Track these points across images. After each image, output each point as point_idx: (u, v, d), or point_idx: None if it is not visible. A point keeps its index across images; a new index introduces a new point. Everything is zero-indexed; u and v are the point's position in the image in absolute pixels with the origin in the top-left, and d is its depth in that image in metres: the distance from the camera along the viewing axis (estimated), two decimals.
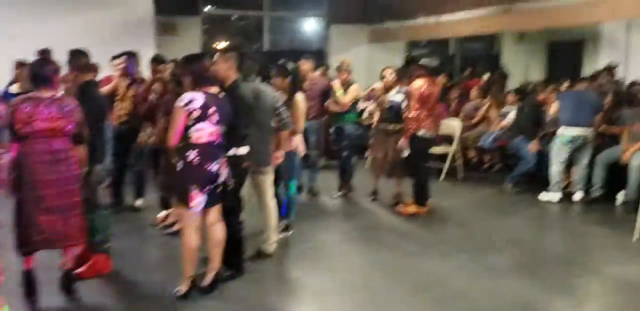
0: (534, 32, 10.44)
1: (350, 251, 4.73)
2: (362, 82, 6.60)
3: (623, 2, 5.95)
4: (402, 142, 5.49)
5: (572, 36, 10.10)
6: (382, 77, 5.83)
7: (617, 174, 5.95)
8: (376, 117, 6.00)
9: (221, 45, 10.35)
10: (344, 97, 6.10)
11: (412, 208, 5.63)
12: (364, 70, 8.98)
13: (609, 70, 9.06)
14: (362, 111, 6.98)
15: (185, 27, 9.62)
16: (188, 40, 9.45)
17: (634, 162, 5.69)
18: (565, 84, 7.51)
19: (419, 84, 5.39)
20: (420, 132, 5.42)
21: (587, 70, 9.83)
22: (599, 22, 8.84)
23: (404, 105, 5.56)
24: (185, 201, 3.51)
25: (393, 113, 5.68)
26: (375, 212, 5.86)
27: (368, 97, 6.44)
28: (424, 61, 5.53)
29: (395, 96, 5.68)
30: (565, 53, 10.64)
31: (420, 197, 5.63)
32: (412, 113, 5.39)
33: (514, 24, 8.07)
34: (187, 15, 9.61)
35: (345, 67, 6.26)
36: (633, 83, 7.13)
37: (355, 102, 6.33)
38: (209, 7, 10.09)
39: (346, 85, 6.17)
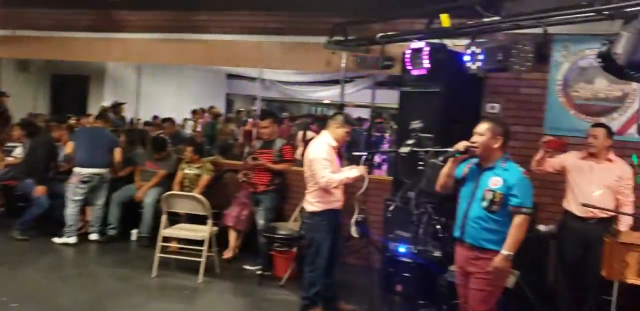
0: (40, 62, 9.88)
1: None
2: None
3: (135, 47, 6.24)
4: None
5: (78, 70, 10.02)
6: None
7: (131, 212, 6.12)
8: None
9: None
10: None
11: None
12: None
13: (115, 107, 9.46)
14: None
15: None
16: None
17: (148, 200, 5.97)
18: (72, 120, 7.34)
19: None
20: None
21: (93, 105, 9.94)
22: (113, 61, 9.08)
23: None
24: None
25: None
26: None
27: None
28: None
29: None
30: (70, 87, 10.44)
31: None
32: None
33: (16, 52, 7.38)
34: None
35: None
36: (146, 123, 7.57)
37: None
38: None
39: None
